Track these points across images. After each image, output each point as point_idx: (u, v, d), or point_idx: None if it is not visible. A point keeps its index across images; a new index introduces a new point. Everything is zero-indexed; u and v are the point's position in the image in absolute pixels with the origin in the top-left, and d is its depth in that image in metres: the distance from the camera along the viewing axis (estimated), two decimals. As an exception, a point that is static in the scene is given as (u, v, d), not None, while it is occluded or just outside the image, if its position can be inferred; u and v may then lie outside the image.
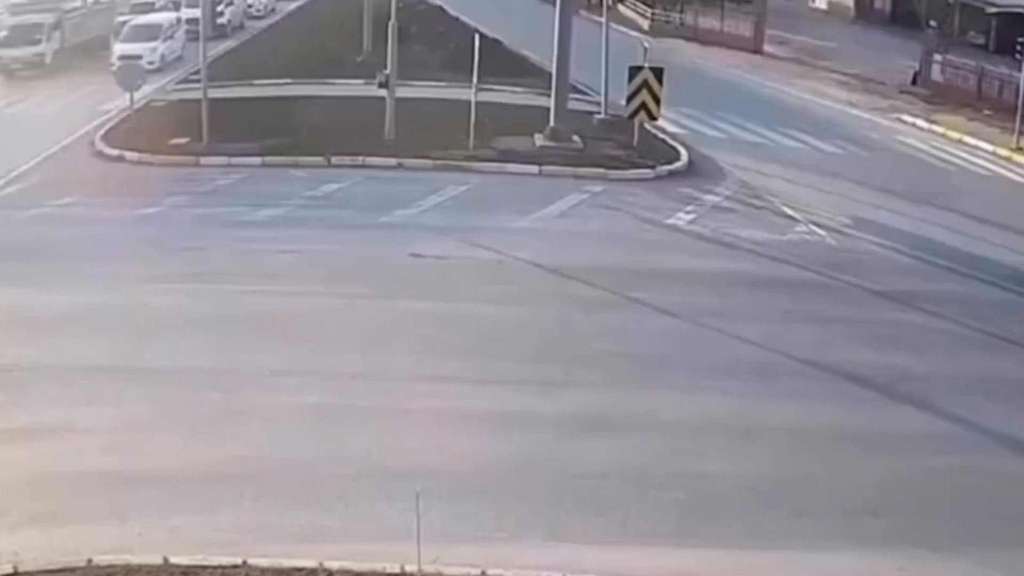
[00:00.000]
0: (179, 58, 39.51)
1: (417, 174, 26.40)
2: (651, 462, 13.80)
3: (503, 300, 18.68)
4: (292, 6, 54.55)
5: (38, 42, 39.49)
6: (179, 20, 41.69)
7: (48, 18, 40.88)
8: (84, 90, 35.37)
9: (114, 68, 35.60)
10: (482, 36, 30.78)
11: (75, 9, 44.59)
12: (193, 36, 39.63)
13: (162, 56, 38.52)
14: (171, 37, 39.84)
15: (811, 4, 58.67)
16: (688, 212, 24.15)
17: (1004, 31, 41.49)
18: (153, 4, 47.29)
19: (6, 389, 15.13)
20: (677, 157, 28.56)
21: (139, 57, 35.73)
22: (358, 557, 11.42)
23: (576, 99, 30.99)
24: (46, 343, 16.54)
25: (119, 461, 13.36)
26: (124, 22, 42.09)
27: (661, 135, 30.12)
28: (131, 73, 30.59)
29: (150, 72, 33.78)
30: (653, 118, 28.52)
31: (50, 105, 34.02)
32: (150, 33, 39.22)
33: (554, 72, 29.05)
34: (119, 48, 38.01)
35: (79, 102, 33.99)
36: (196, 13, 40.14)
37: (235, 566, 11.19)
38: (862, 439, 14.63)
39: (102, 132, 29.65)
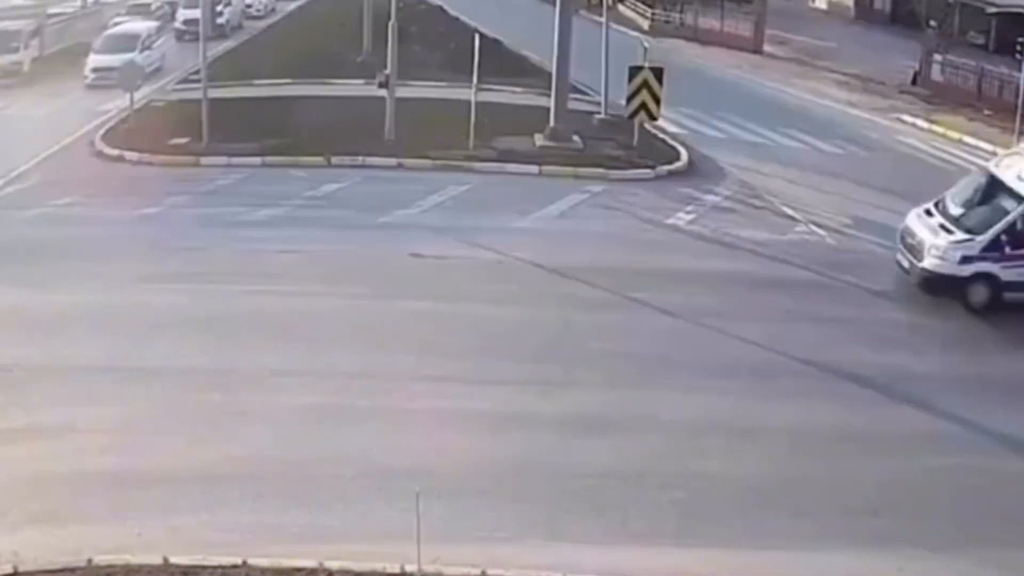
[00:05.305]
0: (158, 69, 37.70)
1: (417, 174, 26.38)
2: (651, 462, 13.82)
3: (503, 300, 18.67)
4: (292, 6, 54.48)
5: (16, 50, 38.57)
6: (159, 28, 40.31)
7: (27, 24, 39.75)
8: (71, 96, 35.07)
9: (88, 81, 35.73)
10: (482, 36, 30.76)
11: (59, 14, 43.66)
12: (192, 37, 39.54)
13: None
14: (149, 47, 37.91)
15: (811, 4, 58.65)
16: (688, 212, 24.12)
17: (1004, 31, 41.48)
18: (149, 6, 47.17)
19: (6, 389, 15.15)
20: (677, 157, 28.54)
21: (113, 69, 33.82)
22: (358, 557, 11.44)
23: (576, 99, 30.96)
24: (46, 343, 16.55)
25: (119, 461, 13.38)
26: (116, 24, 41.39)
27: (661, 135, 30.10)
28: (131, 73, 30.61)
29: None
30: (653, 118, 28.50)
31: (40, 109, 33.76)
32: (126, 44, 37.17)
33: (554, 72, 29.02)
34: (93, 59, 36.54)
35: (78, 103, 33.95)
36: (194, 14, 40.05)
37: (235, 566, 11.21)
38: (862, 439, 14.65)
39: (102, 132, 29.64)
